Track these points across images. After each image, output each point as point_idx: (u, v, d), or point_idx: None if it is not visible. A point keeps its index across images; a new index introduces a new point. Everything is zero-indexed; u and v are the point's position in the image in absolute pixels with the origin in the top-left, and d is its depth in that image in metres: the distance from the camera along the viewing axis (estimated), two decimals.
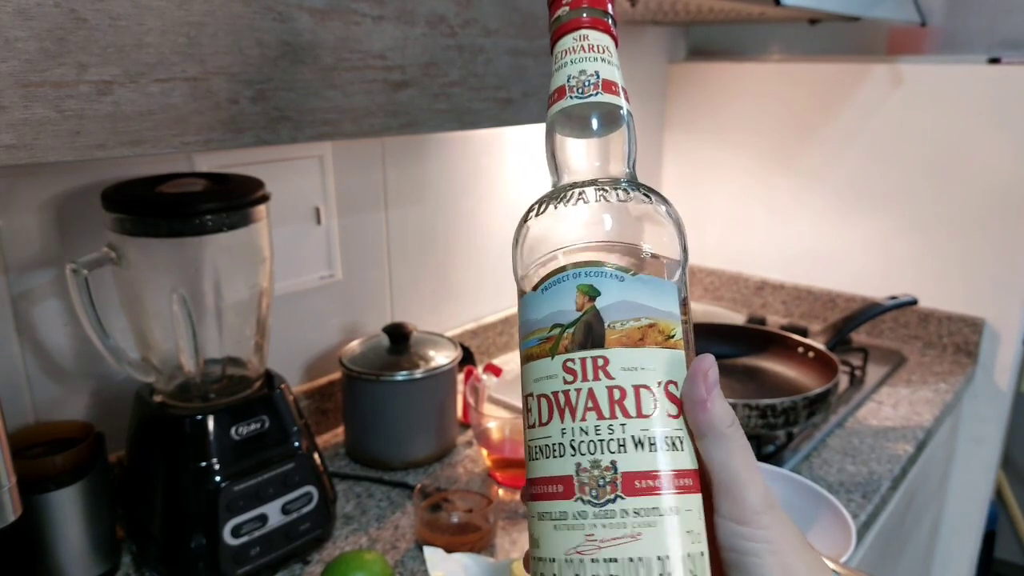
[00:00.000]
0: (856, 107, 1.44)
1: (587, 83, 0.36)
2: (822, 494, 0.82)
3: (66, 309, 0.81)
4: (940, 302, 1.41)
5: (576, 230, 0.34)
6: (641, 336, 0.32)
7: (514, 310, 1.39)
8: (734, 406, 0.95)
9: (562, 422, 0.32)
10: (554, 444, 0.32)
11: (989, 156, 1.31)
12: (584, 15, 0.36)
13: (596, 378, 0.32)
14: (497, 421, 1.01)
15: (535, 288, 0.34)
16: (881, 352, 1.39)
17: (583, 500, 0.31)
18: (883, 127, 1.41)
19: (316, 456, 0.82)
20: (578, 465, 0.31)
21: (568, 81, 0.36)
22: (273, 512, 0.77)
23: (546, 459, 0.32)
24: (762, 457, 0.99)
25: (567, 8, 0.37)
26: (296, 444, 0.80)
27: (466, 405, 1.08)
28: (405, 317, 1.20)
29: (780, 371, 1.20)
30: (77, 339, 0.83)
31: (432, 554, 0.78)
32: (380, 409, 0.97)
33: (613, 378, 0.32)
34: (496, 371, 1.14)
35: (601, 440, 0.31)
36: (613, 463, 0.31)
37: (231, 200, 0.73)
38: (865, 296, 1.48)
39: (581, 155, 0.37)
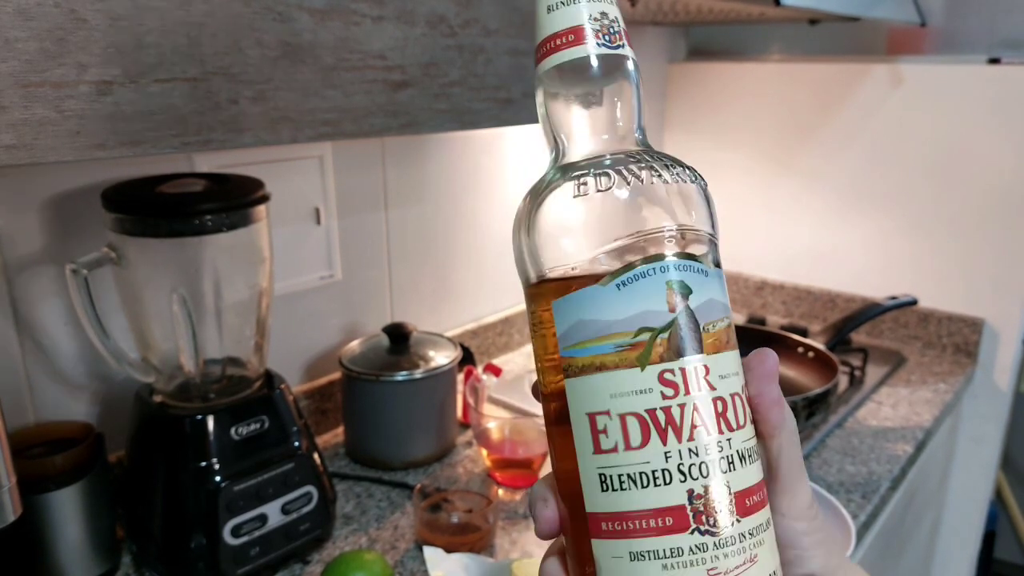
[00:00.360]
0: (856, 107, 1.44)
1: (612, 30, 0.30)
2: (822, 494, 0.82)
3: (66, 309, 0.81)
4: (940, 302, 1.41)
5: (637, 214, 0.29)
6: (727, 339, 0.30)
7: (514, 310, 1.39)
8: None
9: (665, 444, 0.27)
10: (656, 471, 0.28)
11: (989, 156, 1.31)
12: None
13: (700, 390, 0.28)
14: (497, 421, 1.01)
15: (603, 282, 0.29)
16: (881, 352, 1.39)
17: (700, 531, 0.27)
18: (883, 127, 1.41)
19: (316, 456, 0.82)
20: (691, 492, 0.27)
21: (590, 21, 0.30)
22: (273, 512, 0.77)
23: (642, 488, 0.28)
24: None
25: None
26: (296, 444, 0.80)
27: (466, 405, 1.08)
28: (405, 317, 1.20)
29: (780, 371, 1.20)
30: (77, 339, 0.83)
31: (432, 554, 0.78)
32: (380, 409, 0.97)
33: (715, 388, 0.28)
34: (496, 371, 1.14)
35: (712, 460, 0.28)
36: (728, 484, 0.28)
37: (231, 200, 0.73)
38: (865, 296, 1.48)
39: (601, 119, 0.32)
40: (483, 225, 1.31)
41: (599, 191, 0.29)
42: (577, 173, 0.30)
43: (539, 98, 0.33)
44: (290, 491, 0.78)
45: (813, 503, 0.32)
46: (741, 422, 0.29)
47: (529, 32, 0.69)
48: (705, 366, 0.28)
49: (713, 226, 0.31)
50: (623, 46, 0.31)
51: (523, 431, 0.99)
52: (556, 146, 0.33)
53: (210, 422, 0.74)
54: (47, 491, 0.71)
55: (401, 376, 0.96)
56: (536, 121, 0.72)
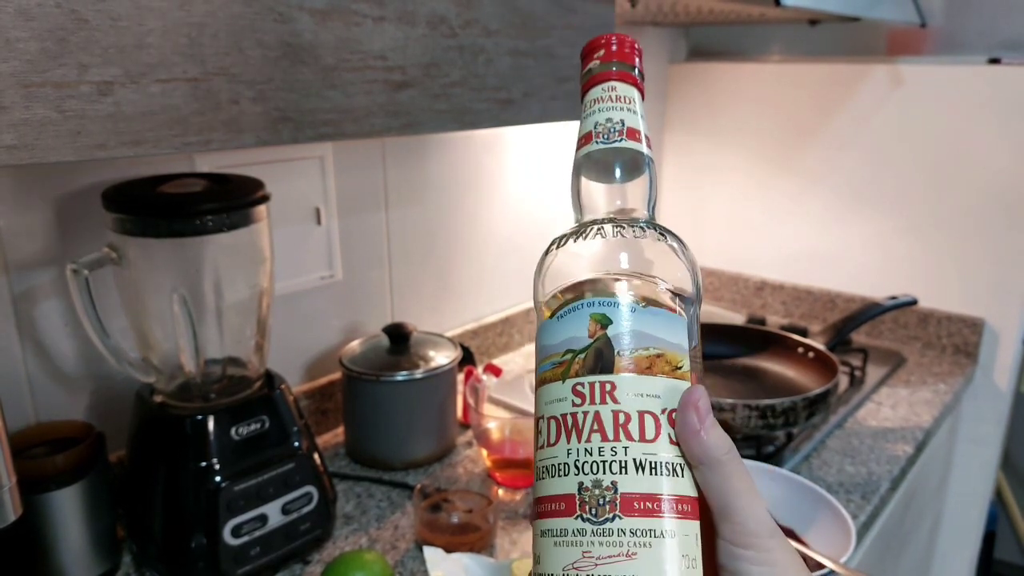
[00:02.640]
0: (856, 108, 1.44)
1: (612, 130, 0.38)
2: (822, 494, 0.82)
3: (67, 309, 0.82)
4: (940, 302, 1.42)
5: (593, 263, 0.36)
6: (649, 365, 0.34)
7: (514, 310, 1.39)
8: (733, 407, 0.95)
9: (568, 443, 0.33)
10: (560, 464, 0.33)
11: (989, 156, 1.31)
12: (613, 68, 0.39)
13: (603, 402, 0.33)
14: (497, 421, 1.01)
15: (552, 315, 0.36)
16: (881, 352, 1.40)
17: (583, 518, 0.32)
18: (883, 128, 1.41)
19: (316, 456, 0.82)
20: (580, 484, 0.32)
21: (595, 128, 0.39)
22: (273, 512, 0.77)
23: (551, 478, 0.33)
24: (762, 457, 0.99)
25: (598, 61, 0.39)
26: (296, 444, 0.80)
27: (466, 405, 1.08)
28: (405, 317, 1.20)
29: (780, 371, 1.20)
30: (78, 339, 0.83)
31: (432, 554, 0.78)
32: (380, 409, 0.97)
33: (619, 403, 0.33)
34: (496, 371, 1.14)
35: (604, 461, 0.32)
36: (614, 483, 0.32)
37: (231, 200, 0.73)
38: (865, 296, 1.48)
39: (603, 196, 0.39)
40: (483, 225, 1.31)
41: (572, 243, 0.37)
42: (565, 233, 0.38)
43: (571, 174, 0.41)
44: (290, 491, 0.79)
45: (770, 534, 0.32)
46: (648, 436, 0.33)
47: (529, 33, 0.69)
48: (612, 383, 0.33)
49: (692, 282, 0.36)
50: (621, 140, 0.38)
51: (523, 431, 0.99)
52: (576, 211, 0.41)
53: (210, 422, 0.74)
54: (48, 491, 0.71)
55: (401, 376, 0.96)
56: (536, 121, 0.72)
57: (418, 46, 0.61)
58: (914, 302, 1.25)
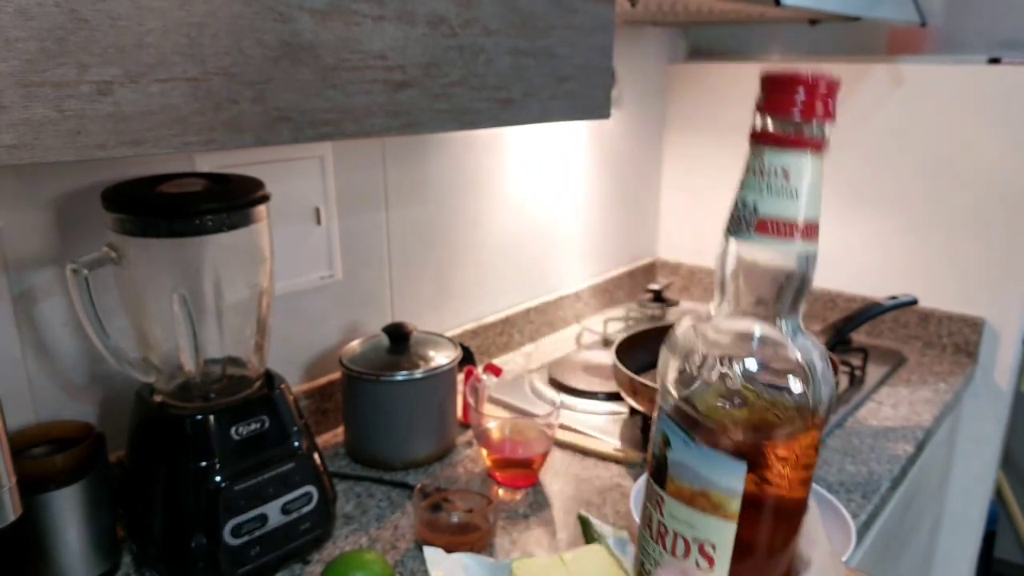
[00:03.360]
0: (856, 107, 1.44)
1: (806, 227, 0.32)
2: (822, 494, 0.82)
3: (67, 309, 0.82)
4: (940, 302, 1.42)
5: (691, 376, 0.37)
6: (691, 497, 0.35)
7: (514, 310, 1.40)
8: None
9: (640, 523, 0.40)
10: (640, 536, 0.40)
11: (990, 156, 1.31)
12: (819, 137, 0.32)
13: (655, 507, 0.38)
14: (497, 421, 1.01)
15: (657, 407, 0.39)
16: (881, 352, 1.40)
17: None
18: (883, 127, 1.41)
19: (316, 456, 0.82)
20: (639, 559, 0.39)
21: (788, 214, 0.32)
22: (273, 512, 0.77)
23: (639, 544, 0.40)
24: None
25: (799, 116, 0.32)
26: (296, 444, 0.80)
27: (466, 405, 1.08)
28: (405, 317, 1.20)
29: None
30: (78, 339, 0.83)
31: (432, 554, 0.78)
32: (380, 409, 0.97)
33: (663, 515, 0.37)
34: (496, 371, 1.14)
35: (648, 552, 0.38)
36: (650, 574, 0.38)
37: (231, 200, 0.73)
38: (865, 296, 1.48)
39: (766, 296, 0.35)
40: (484, 225, 1.31)
41: (702, 364, 0.36)
42: (712, 349, 0.37)
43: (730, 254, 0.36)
44: (290, 491, 0.79)
45: None
46: (678, 554, 0.36)
47: (529, 32, 0.69)
48: (661, 497, 0.37)
49: (821, 404, 0.36)
50: (812, 243, 0.34)
51: (523, 431, 0.99)
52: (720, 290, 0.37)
53: (210, 422, 0.74)
54: (47, 491, 0.71)
55: (401, 376, 0.96)
56: (535, 122, 0.72)
57: (418, 46, 0.61)
58: (914, 302, 1.25)
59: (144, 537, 0.77)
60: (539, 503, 0.93)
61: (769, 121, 0.33)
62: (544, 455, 0.97)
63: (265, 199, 0.77)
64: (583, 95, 0.76)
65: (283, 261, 1.00)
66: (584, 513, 0.84)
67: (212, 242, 0.74)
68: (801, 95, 0.32)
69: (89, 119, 0.44)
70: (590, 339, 1.47)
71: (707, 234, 1.70)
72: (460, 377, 1.08)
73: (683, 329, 0.38)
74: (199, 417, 0.74)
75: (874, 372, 1.31)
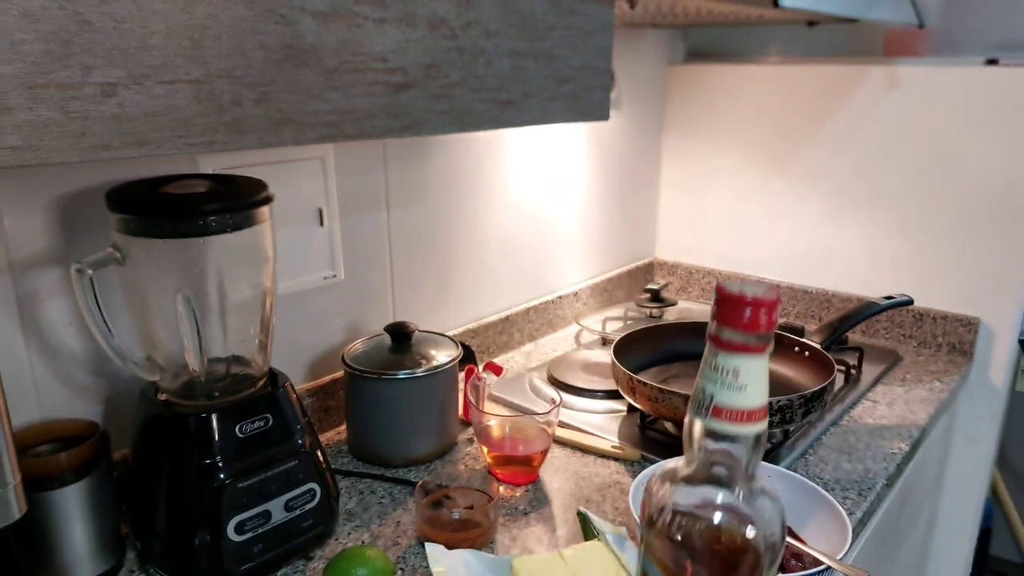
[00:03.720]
0: (854, 108, 1.44)
1: (752, 413, 0.41)
2: (819, 491, 0.83)
3: (71, 308, 0.82)
4: (935, 302, 1.42)
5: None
6: None
7: (514, 310, 1.41)
8: None
9: None
10: None
11: (985, 157, 1.32)
12: (763, 344, 0.41)
13: None
14: (497, 419, 1.02)
15: None
16: (876, 351, 1.40)
17: None
18: (880, 128, 1.42)
19: (319, 453, 0.83)
20: None
21: (738, 404, 0.41)
22: (276, 509, 0.78)
23: None
24: None
25: (745, 329, 0.40)
26: (299, 442, 0.81)
27: (467, 403, 1.09)
28: (407, 316, 1.21)
29: (776, 369, 1.21)
30: (82, 338, 0.84)
31: (433, 550, 0.79)
32: (382, 407, 0.98)
33: None
34: (497, 370, 1.15)
35: None
36: None
37: (235, 201, 0.74)
38: (861, 296, 1.49)
39: (724, 462, 0.43)
40: (484, 226, 1.32)
41: (660, 513, 0.46)
42: (673, 491, 0.46)
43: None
44: (293, 488, 0.79)
45: None
46: None
47: (529, 34, 0.70)
48: None
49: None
50: (761, 423, 0.43)
51: (523, 429, 1.00)
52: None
53: (214, 420, 0.75)
54: (52, 489, 0.72)
55: (403, 374, 0.97)
56: (535, 123, 0.72)
57: (419, 48, 0.61)
58: (910, 301, 1.25)
59: (148, 534, 0.77)
60: (539, 500, 0.94)
61: (722, 329, 0.40)
62: (544, 452, 0.98)
63: (268, 200, 0.77)
64: (582, 96, 0.77)
65: (286, 261, 1.01)
66: (583, 509, 0.85)
67: (216, 243, 0.74)
68: (747, 312, 0.39)
69: (93, 120, 0.44)
70: (589, 338, 1.48)
71: (705, 234, 1.71)
72: (461, 376, 1.09)
73: (655, 477, 0.46)
74: (203, 415, 0.75)
75: (869, 371, 1.31)
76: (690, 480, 0.44)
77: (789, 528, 0.82)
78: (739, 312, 0.39)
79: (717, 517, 0.43)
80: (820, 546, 0.77)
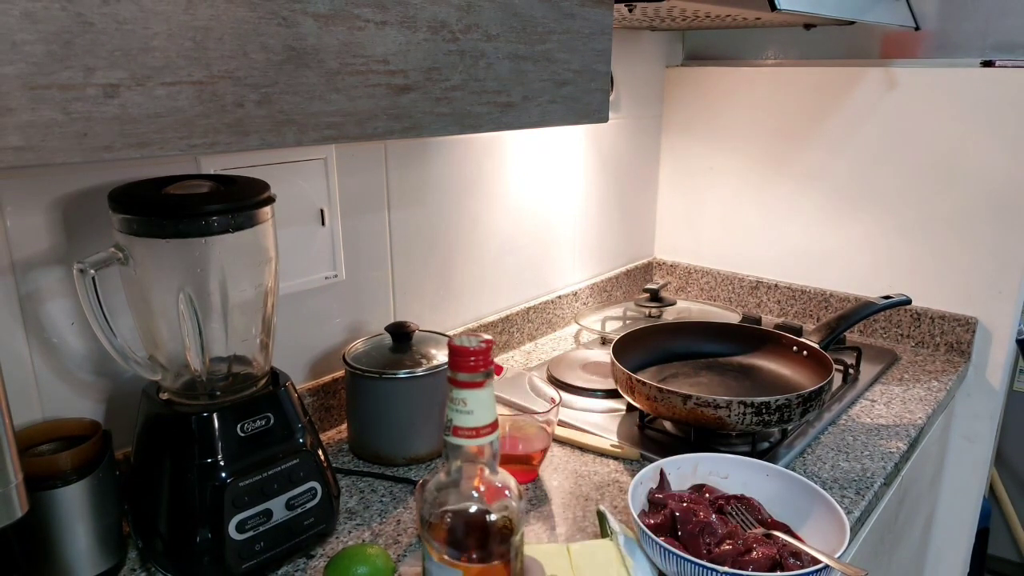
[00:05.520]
0: (851, 110, 1.45)
1: (481, 429, 0.57)
2: (816, 490, 0.83)
3: (73, 308, 0.83)
4: (933, 301, 1.43)
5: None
6: None
7: (514, 309, 1.41)
8: (728, 404, 0.97)
9: None
10: None
11: (982, 158, 1.33)
12: (482, 380, 0.55)
13: None
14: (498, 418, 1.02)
15: None
16: (874, 351, 1.41)
17: None
18: (877, 130, 1.43)
19: (320, 452, 0.83)
20: None
21: (469, 424, 0.56)
22: (278, 507, 0.78)
23: None
24: (757, 453, 1.01)
25: (467, 372, 0.54)
26: (300, 440, 0.81)
27: None
28: (407, 316, 1.21)
29: (774, 369, 1.21)
30: (84, 337, 0.84)
31: None
32: (383, 406, 0.99)
33: None
34: (497, 369, 1.15)
35: None
36: None
37: (237, 202, 0.74)
38: (859, 295, 1.50)
39: (468, 467, 0.59)
40: (484, 226, 1.32)
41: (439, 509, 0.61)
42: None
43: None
44: (295, 487, 0.80)
45: None
46: None
47: (529, 37, 0.70)
48: None
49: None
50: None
51: (523, 427, 1.00)
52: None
53: (216, 419, 0.75)
54: (54, 488, 0.72)
55: (404, 374, 0.97)
56: (535, 126, 0.73)
57: (419, 50, 0.62)
58: (908, 301, 1.26)
59: (150, 533, 0.78)
60: (539, 498, 0.94)
61: (454, 373, 0.55)
62: (543, 451, 0.99)
63: (270, 200, 0.78)
64: (581, 99, 0.78)
65: (288, 261, 1.02)
66: (603, 508, 0.85)
67: (218, 243, 0.75)
68: (469, 360, 0.54)
69: (95, 121, 0.44)
70: (588, 338, 1.48)
71: (704, 235, 1.72)
72: None
73: (423, 488, 0.59)
74: (205, 414, 0.75)
75: (867, 371, 1.32)
76: (448, 485, 0.58)
77: (787, 527, 0.82)
78: (464, 360, 0.54)
79: (472, 508, 0.57)
80: (818, 545, 0.78)
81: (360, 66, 0.58)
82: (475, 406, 0.55)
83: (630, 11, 1.09)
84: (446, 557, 0.57)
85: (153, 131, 0.48)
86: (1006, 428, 1.99)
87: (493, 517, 0.57)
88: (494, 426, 0.57)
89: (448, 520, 0.57)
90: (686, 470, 0.90)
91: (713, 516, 0.80)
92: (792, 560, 0.75)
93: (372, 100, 0.60)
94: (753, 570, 0.73)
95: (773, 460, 1.01)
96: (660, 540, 0.74)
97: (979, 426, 1.45)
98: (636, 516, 0.78)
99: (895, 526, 1.21)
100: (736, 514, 0.83)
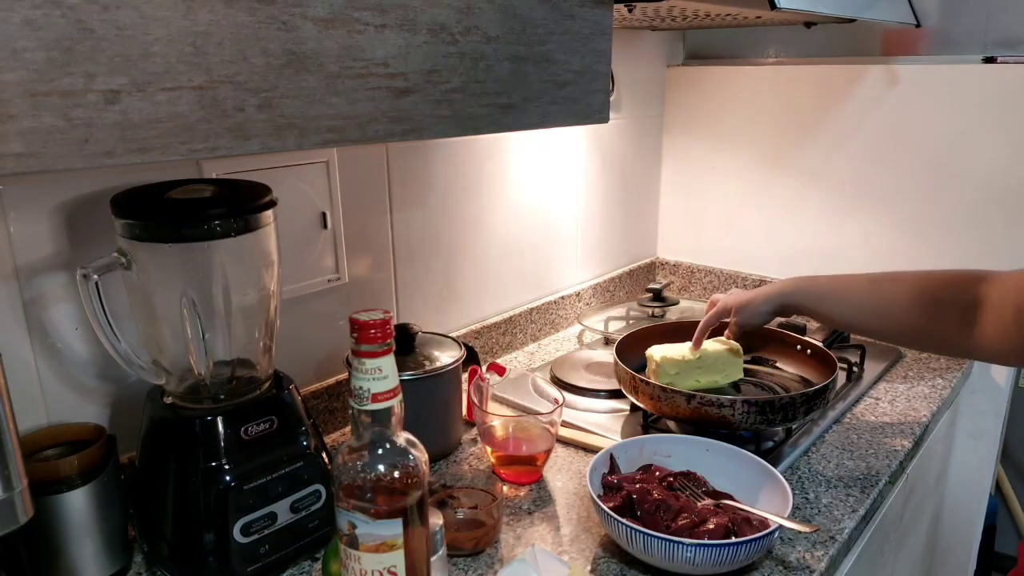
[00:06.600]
0: (852, 108, 1.45)
1: (394, 390, 0.61)
2: (753, 458, 0.90)
3: (77, 313, 0.83)
4: None
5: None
6: (376, 548, 0.61)
7: (517, 311, 1.41)
8: (733, 403, 0.97)
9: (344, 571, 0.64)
10: None
11: (985, 154, 1.33)
12: (389, 348, 0.59)
13: (356, 562, 0.62)
14: (501, 419, 1.02)
15: None
16: (878, 349, 1.40)
17: None
18: (879, 127, 1.43)
19: (324, 455, 0.83)
20: None
21: (384, 388, 0.60)
22: (282, 510, 0.78)
23: None
24: (761, 452, 1.01)
25: (374, 342, 0.58)
26: (304, 443, 0.81)
27: (471, 404, 1.09)
28: (410, 318, 1.22)
29: (779, 368, 1.21)
30: (88, 342, 0.84)
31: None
32: None
33: (361, 564, 0.61)
34: (500, 370, 1.15)
35: None
36: None
37: (239, 206, 0.74)
38: None
39: (380, 425, 0.62)
40: (486, 228, 1.32)
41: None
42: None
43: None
44: (299, 489, 0.80)
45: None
46: None
47: (528, 39, 0.70)
48: (359, 556, 0.62)
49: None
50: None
51: (527, 428, 1.00)
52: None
53: (220, 423, 0.76)
54: (59, 492, 0.72)
55: (407, 376, 0.97)
56: (537, 126, 0.73)
57: (419, 53, 0.62)
58: None
59: (155, 537, 0.78)
60: (543, 499, 0.94)
61: (360, 346, 0.58)
62: (547, 452, 0.99)
63: (272, 204, 0.78)
64: (582, 100, 0.78)
65: (291, 264, 1.02)
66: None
67: (220, 247, 0.75)
68: (376, 331, 0.58)
69: (96, 127, 0.44)
70: (591, 338, 1.48)
71: (706, 234, 1.71)
72: (465, 376, 1.09)
73: (339, 455, 0.62)
74: (209, 418, 0.76)
75: (871, 369, 1.32)
76: (362, 448, 0.61)
77: (731, 496, 0.88)
78: (379, 331, 0.58)
79: (382, 467, 0.61)
80: (770, 508, 0.83)
81: (360, 69, 0.58)
82: (389, 371, 0.59)
83: (630, 11, 1.09)
84: (384, 510, 0.61)
85: (154, 136, 0.48)
86: (1012, 425, 1.98)
87: (400, 472, 0.62)
88: (398, 389, 0.61)
89: (365, 480, 0.61)
90: (633, 453, 0.94)
91: (665, 493, 0.84)
92: (745, 525, 0.80)
93: (372, 103, 0.60)
94: (709, 539, 0.77)
95: (777, 458, 1.01)
96: (625, 521, 0.77)
97: (984, 423, 1.45)
98: (598, 500, 0.81)
99: (901, 524, 1.21)
100: (684, 489, 0.88)
